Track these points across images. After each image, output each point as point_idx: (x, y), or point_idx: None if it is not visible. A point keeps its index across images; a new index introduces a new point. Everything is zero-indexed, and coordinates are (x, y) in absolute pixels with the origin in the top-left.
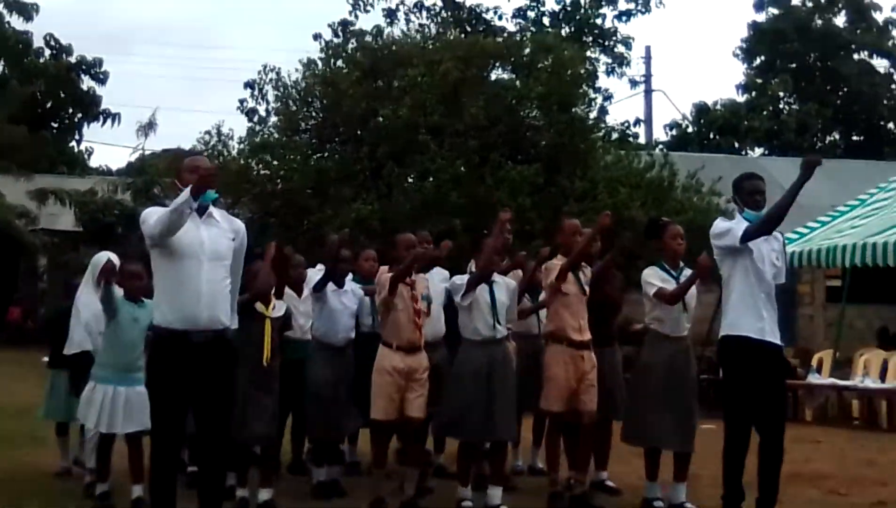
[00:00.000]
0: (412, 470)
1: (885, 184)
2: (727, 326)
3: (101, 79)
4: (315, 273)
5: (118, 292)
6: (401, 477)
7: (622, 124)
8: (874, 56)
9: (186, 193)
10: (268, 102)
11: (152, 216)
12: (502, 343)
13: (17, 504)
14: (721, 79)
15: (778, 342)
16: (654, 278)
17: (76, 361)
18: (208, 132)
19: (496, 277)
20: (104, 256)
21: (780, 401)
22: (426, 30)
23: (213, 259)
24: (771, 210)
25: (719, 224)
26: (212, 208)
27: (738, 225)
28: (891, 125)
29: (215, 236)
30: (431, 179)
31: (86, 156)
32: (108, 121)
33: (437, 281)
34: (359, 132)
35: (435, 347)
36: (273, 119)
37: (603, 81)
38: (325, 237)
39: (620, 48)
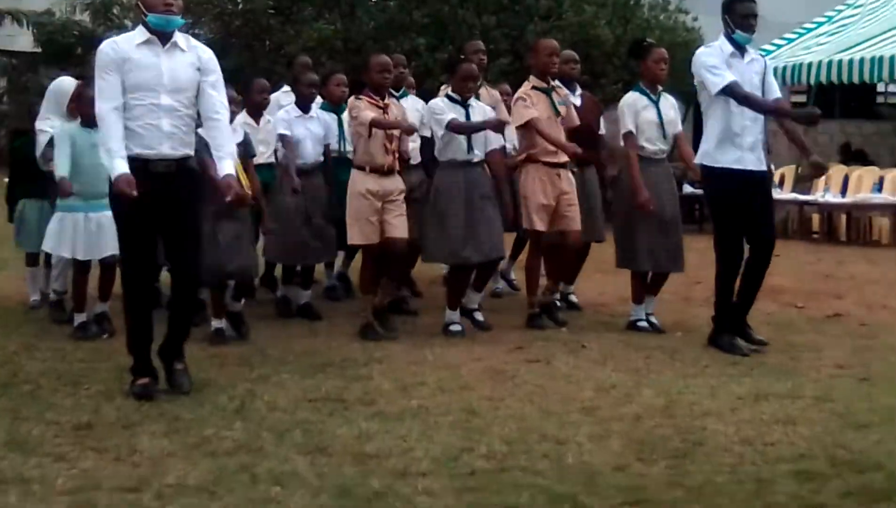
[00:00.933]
0: (386, 283)
1: (851, 1)
2: (705, 154)
3: None
4: (282, 95)
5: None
6: (367, 303)
7: None
8: None
9: (116, 170)
10: None
11: (100, 94)
12: (479, 166)
13: None
14: None
15: (760, 167)
16: (635, 102)
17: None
18: None
19: (472, 101)
20: (70, 82)
21: (769, 222)
22: None
23: (174, 91)
24: (754, 101)
25: (705, 56)
26: (176, 36)
27: (723, 63)
28: None
29: (178, 67)
30: None
31: None
32: None
33: (410, 108)
34: None
35: (411, 170)
36: None
37: None
38: (294, 59)
39: None
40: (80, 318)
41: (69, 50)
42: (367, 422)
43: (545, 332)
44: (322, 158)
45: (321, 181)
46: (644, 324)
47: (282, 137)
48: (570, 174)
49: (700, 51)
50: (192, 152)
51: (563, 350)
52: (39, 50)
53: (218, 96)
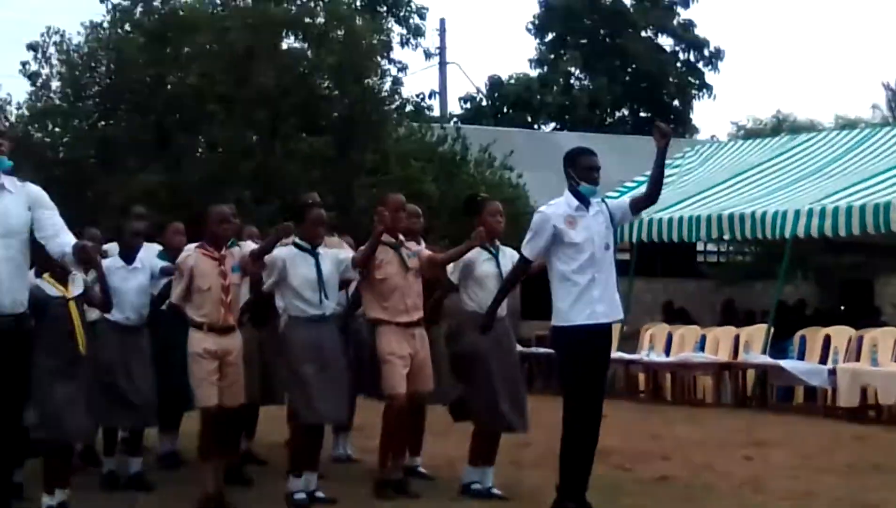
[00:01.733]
0: (218, 461)
1: (670, 161)
2: (555, 315)
3: None
4: (112, 248)
5: None
6: (205, 472)
7: (417, 96)
8: (660, 34)
9: None
10: (52, 66)
11: None
12: (331, 321)
13: None
14: (514, 53)
15: (607, 319)
16: (473, 257)
17: None
18: None
19: (320, 249)
20: None
21: (604, 379)
22: None
23: (7, 235)
24: (653, 185)
25: (540, 214)
26: (3, 179)
27: (555, 216)
28: (676, 102)
29: (8, 210)
30: (220, 150)
31: None
32: None
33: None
34: (145, 100)
35: (242, 328)
36: (56, 84)
37: (397, 52)
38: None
39: (415, 19)
40: None
41: None
42: None
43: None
44: (145, 313)
45: (146, 338)
46: (478, 486)
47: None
48: (424, 332)
49: (542, 209)
50: (26, 309)
51: None
52: None
53: (56, 219)
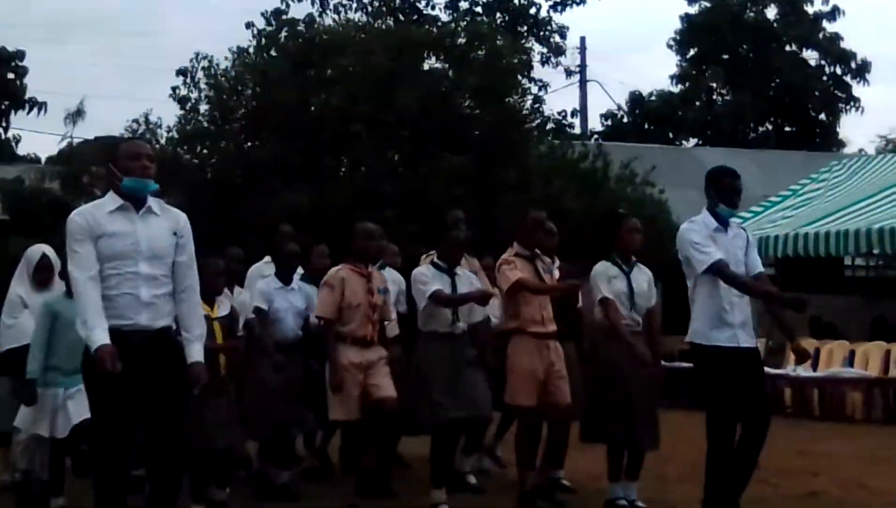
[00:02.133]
0: (370, 462)
1: (815, 175)
2: (695, 333)
3: (22, 72)
4: (263, 266)
5: (58, 288)
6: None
7: (558, 114)
8: (805, 48)
9: (95, 342)
10: (200, 90)
11: (76, 256)
12: (463, 337)
13: None
14: (655, 70)
15: (751, 344)
16: (607, 273)
17: (13, 360)
18: (136, 120)
19: (458, 269)
20: (38, 250)
21: (762, 399)
22: (358, 19)
23: (152, 258)
24: (741, 283)
25: (691, 233)
26: (150, 201)
27: (704, 241)
28: (822, 116)
29: (154, 233)
30: (364, 169)
31: (13, 144)
32: (35, 109)
33: (388, 281)
34: (290, 122)
35: (391, 343)
36: (204, 107)
37: (538, 70)
38: (278, 234)
39: (556, 38)
40: (56, 503)
41: (39, 218)
42: None
43: None
44: (301, 332)
45: (299, 357)
46: (623, 503)
47: (258, 312)
48: (559, 345)
49: (684, 226)
50: (171, 324)
51: None
52: (8, 218)
53: (190, 269)
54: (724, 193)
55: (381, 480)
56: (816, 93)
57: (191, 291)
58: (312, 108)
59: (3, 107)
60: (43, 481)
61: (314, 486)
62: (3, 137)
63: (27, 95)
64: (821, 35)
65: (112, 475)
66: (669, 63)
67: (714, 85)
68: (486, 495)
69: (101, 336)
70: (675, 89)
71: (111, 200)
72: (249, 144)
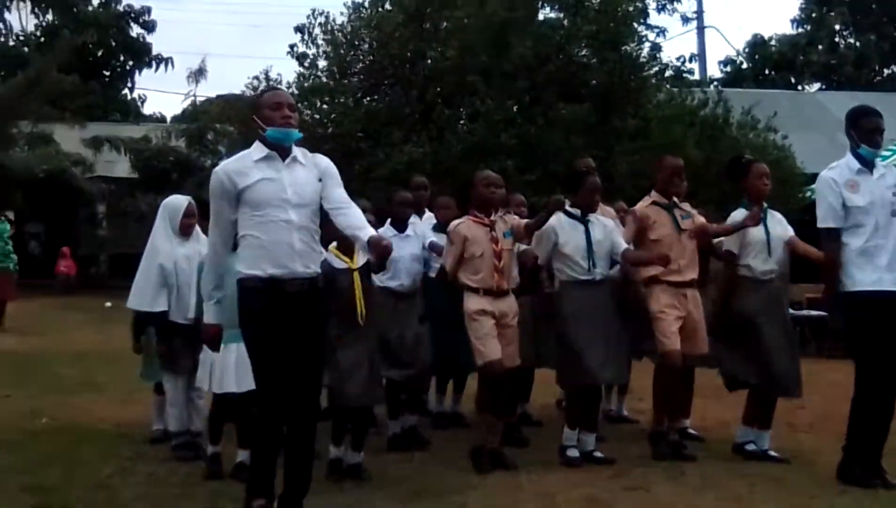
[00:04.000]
0: (497, 420)
1: None
2: (846, 278)
3: (150, 27)
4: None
5: (201, 238)
6: (486, 426)
7: (676, 61)
8: None
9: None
10: (317, 47)
11: (213, 218)
12: (602, 285)
13: (75, 453)
14: (775, 13)
15: (895, 287)
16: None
17: (152, 319)
18: (256, 77)
19: (592, 217)
20: (183, 199)
21: None
22: None
23: (300, 205)
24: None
25: (826, 186)
26: (295, 151)
27: (841, 185)
28: None
29: (301, 181)
30: (482, 120)
31: (139, 103)
32: (161, 66)
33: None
34: (407, 75)
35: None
36: (322, 63)
37: (654, 17)
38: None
39: None
40: (213, 449)
41: (165, 175)
42: None
43: (644, 459)
44: (418, 282)
45: (418, 306)
46: (753, 447)
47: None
48: (697, 293)
49: (823, 173)
50: (319, 270)
51: (662, 477)
52: (136, 176)
53: (342, 192)
54: (865, 133)
55: (513, 430)
56: None
57: (349, 205)
58: (429, 60)
59: (128, 66)
60: (197, 433)
61: (444, 433)
62: (129, 96)
63: (153, 54)
64: None
65: (272, 423)
66: (790, 6)
67: (837, 27)
68: (620, 443)
69: (214, 314)
70: (796, 33)
71: (258, 149)
72: (367, 98)
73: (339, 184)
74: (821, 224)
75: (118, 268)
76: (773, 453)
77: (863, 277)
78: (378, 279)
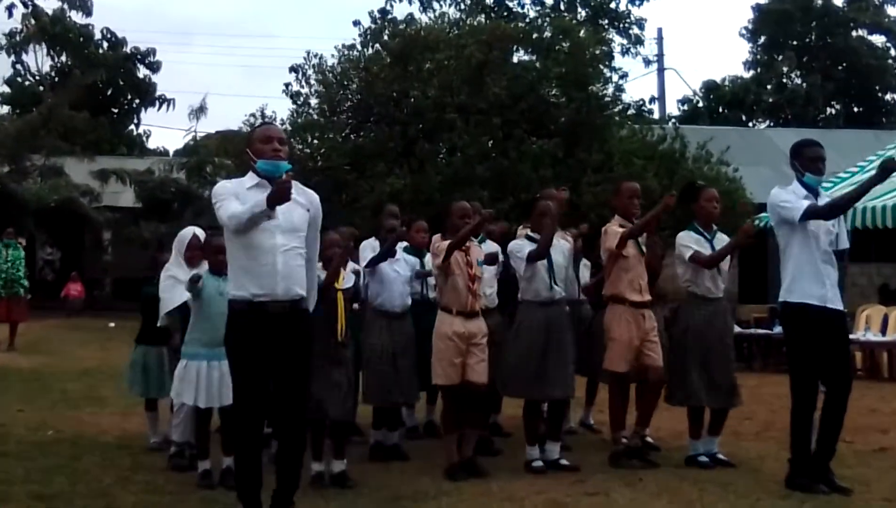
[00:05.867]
0: (470, 432)
1: (882, 152)
2: (787, 292)
3: (155, 67)
4: (374, 242)
5: (203, 267)
6: (457, 440)
7: (637, 101)
8: (872, 32)
9: (264, 204)
10: (310, 86)
11: (226, 201)
12: (560, 304)
13: (78, 463)
14: (729, 57)
15: (839, 306)
16: (690, 241)
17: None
18: (253, 114)
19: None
20: (190, 231)
21: (846, 361)
22: (453, 17)
23: (288, 232)
24: (837, 201)
25: (780, 194)
26: None
27: (796, 198)
28: (888, 96)
29: (290, 209)
30: (459, 154)
31: (144, 138)
32: (164, 106)
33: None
34: (391, 112)
35: (490, 314)
36: (314, 101)
37: (618, 60)
38: (384, 213)
39: (634, 29)
40: (203, 465)
41: (167, 205)
42: None
43: (605, 467)
44: (409, 302)
45: (409, 325)
46: (704, 459)
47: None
48: (653, 314)
49: (774, 191)
50: (304, 293)
51: (620, 483)
52: (140, 205)
53: (315, 241)
54: (808, 161)
55: (485, 440)
56: (882, 74)
57: (311, 262)
58: (411, 99)
59: (135, 104)
60: (193, 448)
61: (413, 444)
62: (135, 132)
63: (157, 94)
64: (886, 19)
65: (248, 431)
66: (742, 50)
67: (784, 70)
68: (585, 452)
69: (262, 199)
70: (747, 75)
71: (250, 177)
72: (354, 134)
73: (314, 229)
74: (797, 216)
75: (121, 291)
76: (721, 456)
77: (808, 292)
78: (372, 301)
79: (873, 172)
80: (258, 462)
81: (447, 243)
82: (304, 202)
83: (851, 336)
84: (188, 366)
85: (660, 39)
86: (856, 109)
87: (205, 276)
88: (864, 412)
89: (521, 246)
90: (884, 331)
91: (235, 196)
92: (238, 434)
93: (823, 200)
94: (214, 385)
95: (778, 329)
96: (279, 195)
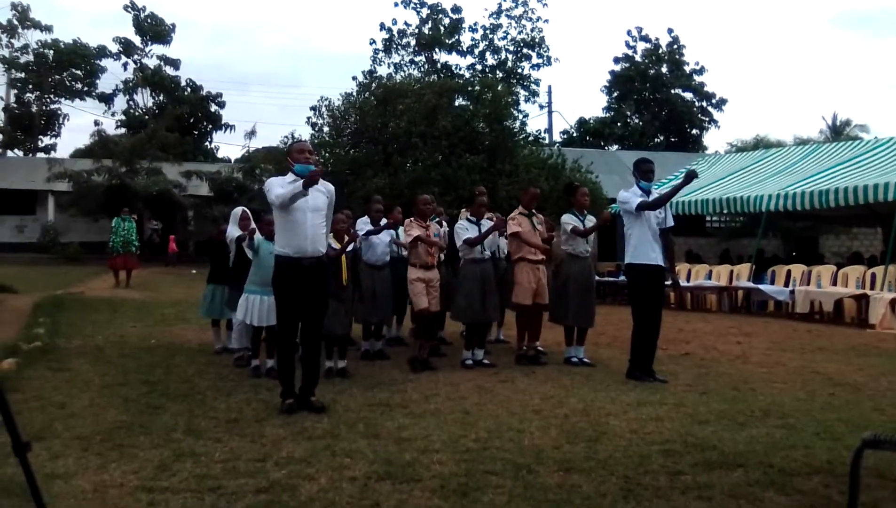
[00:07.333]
0: (426, 342)
1: (688, 166)
2: (630, 256)
3: (222, 105)
4: (362, 222)
5: (242, 232)
6: (419, 345)
7: (535, 132)
8: (685, 91)
9: (300, 187)
10: (323, 118)
11: (274, 188)
12: (487, 262)
13: (171, 361)
14: (593, 104)
15: (661, 263)
16: (571, 220)
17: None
18: (287, 136)
19: (482, 221)
20: (240, 209)
21: (661, 299)
22: (416, 76)
23: (314, 210)
24: (658, 198)
25: (625, 193)
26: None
27: (634, 196)
28: (694, 131)
29: (316, 195)
30: (420, 164)
31: (214, 151)
32: (227, 130)
33: (436, 228)
34: (377, 137)
35: (439, 267)
36: (326, 129)
37: (523, 105)
38: (371, 201)
39: (533, 86)
40: (255, 362)
41: (230, 194)
42: (403, 418)
43: (512, 365)
44: (388, 259)
45: (388, 273)
46: (574, 359)
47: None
48: (544, 268)
49: (621, 191)
50: (324, 251)
51: (521, 374)
52: (212, 194)
53: (329, 218)
54: (643, 173)
55: (435, 348)
56: (691, 118)
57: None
58: (390, 128)
59: (208, 129)
60: (249, 351)
61: (389, 349)
62: (208, 147)
63: (223, 122)
64: (692, 83)
65: (287, 342)
66: (601, 99)
67: (628, 113)
68: (498, 356)
69: (299, 184)
70: (605, 115)
71: (290, 176)
72: (353, 150)
73: (330, 209)
74: (634, 206)
75: (200, 250)
76: (586, 359)
77: (645, 256)
78: (365, 258)
79: (681, 179)
80: (293, 361)
81: (414, 232)
82: (324, 190)
83: (668, 283)
84: (249, 298)
85: (549, 93)
86: (673, 140)
87: (259, 240)
88: (674, 330)
89: (465, 227)
90: (688, 279)
91: (280, 186)
92: (279, 343)
93: (653, 197)
94: (265, 311)
95: (622, 278)
96: (311, 178)
